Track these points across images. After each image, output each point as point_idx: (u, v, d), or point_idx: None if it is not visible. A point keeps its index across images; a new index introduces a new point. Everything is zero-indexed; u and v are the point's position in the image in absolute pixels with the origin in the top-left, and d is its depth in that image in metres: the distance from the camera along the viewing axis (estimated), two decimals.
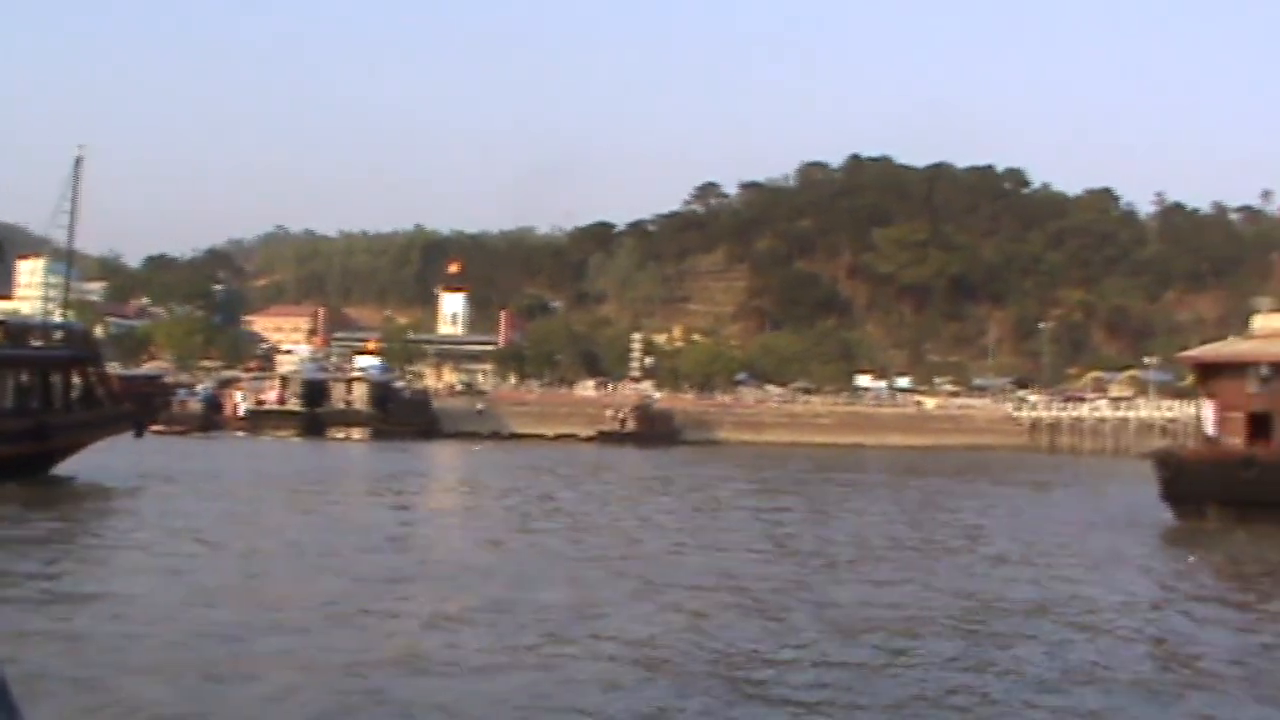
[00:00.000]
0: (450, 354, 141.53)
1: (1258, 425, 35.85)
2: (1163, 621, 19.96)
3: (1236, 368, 37.77)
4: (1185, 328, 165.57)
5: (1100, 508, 44.52)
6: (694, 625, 17.23)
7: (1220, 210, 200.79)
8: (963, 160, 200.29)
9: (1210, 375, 38.73)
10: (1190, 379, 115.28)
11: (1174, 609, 21.30)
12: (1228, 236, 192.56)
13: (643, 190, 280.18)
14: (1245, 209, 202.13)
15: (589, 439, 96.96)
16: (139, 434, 46.61)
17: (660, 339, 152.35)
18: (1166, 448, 44.81)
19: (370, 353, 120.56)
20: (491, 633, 16.55)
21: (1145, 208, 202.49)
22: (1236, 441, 35.76)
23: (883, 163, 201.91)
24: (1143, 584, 24.61)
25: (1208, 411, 37.57)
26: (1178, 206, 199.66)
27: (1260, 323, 45.64)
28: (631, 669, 14.56)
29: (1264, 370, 36.56)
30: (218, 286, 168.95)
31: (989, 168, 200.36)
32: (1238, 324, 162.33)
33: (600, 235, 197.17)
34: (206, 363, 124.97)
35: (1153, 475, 36.22)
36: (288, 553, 25.12)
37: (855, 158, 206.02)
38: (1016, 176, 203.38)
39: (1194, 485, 34.95)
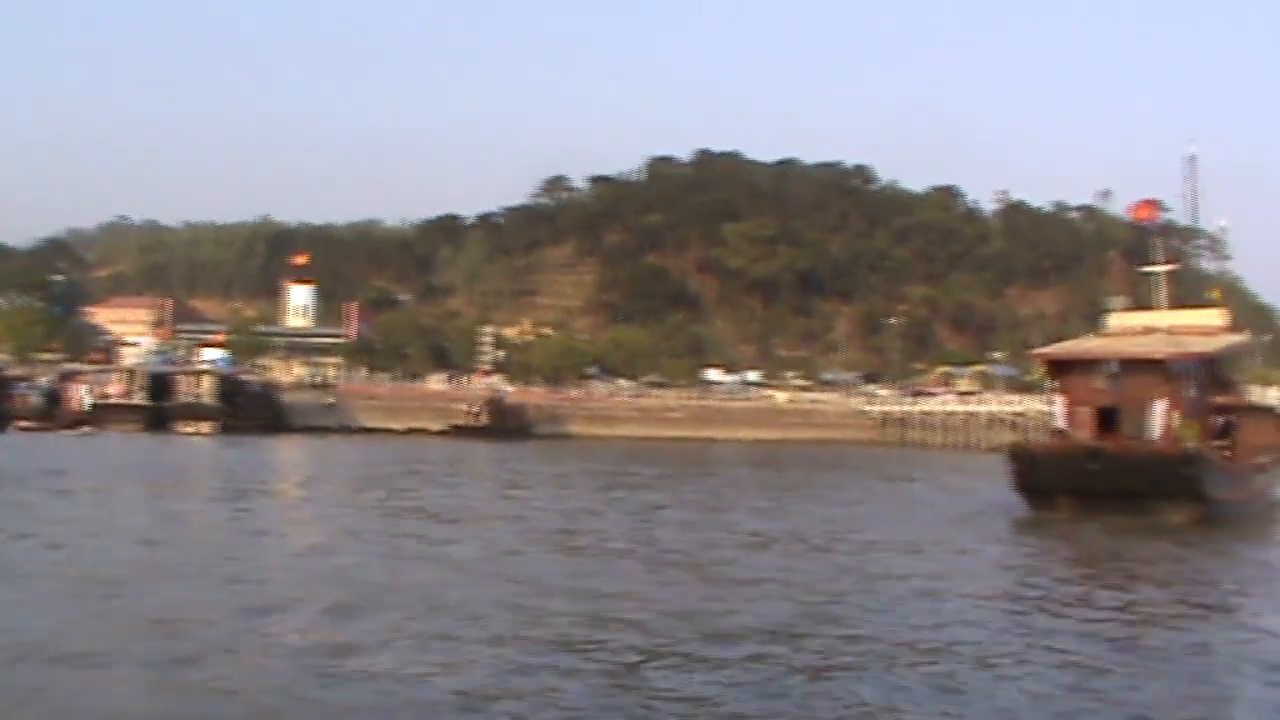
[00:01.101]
0: (298, 347, 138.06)
1: (1105, 419, 36.52)
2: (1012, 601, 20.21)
3: (1086, 364, 38.38)
4: (1027, 323, 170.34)
5: (957, 499, 44.75)
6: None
7: (1061, 209, 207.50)
8: (811, 157, 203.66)
9: (1061, 371, 39.22)
10: (1036, 374, 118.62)
11: (1020, 589, 21.68)
12: (1068, 234, 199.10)
13: (491, 183, 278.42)
14: (1085, 208, 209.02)
15: (440, 433, 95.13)
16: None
17: (510, 332, 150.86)
18: (1019, 441, 46.03)
19: (217, 345, 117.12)
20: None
21: (988, 206, 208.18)
22: (1085, 435, 36.31)
23: (732, 158, 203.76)
24: (989, 566, 25.11)
25: (1058, 406, 38.16)
26: (1020, 205, 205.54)
27: (1114, 321, 46.67)
28: None
29: (1113, 367, 37.15)
30: (57, 277, 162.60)
31: (837, 165, 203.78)
32: (1078, 319, 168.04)
33: (448, 228, 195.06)
34: (46, 355, 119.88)
35: (1003, 468, 36.81)
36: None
37: (704, 153, 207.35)
38: (863, 174, 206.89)
39: (1045, 477, 35.59)
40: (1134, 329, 44.17)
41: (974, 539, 29.63)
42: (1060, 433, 37.50)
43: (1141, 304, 47.91)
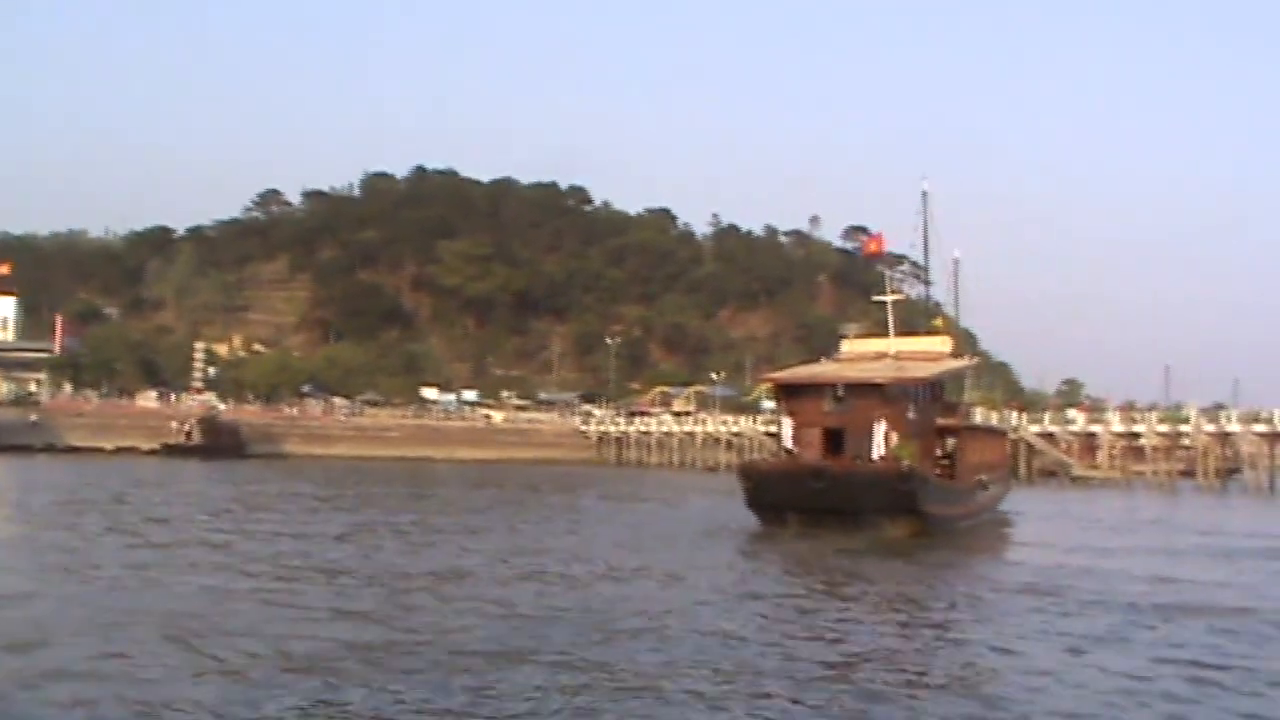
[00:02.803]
0: (0, 361, 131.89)
1: (832, 440, 38.71)
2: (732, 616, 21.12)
3: (813, 388, 40.62)
4: (739, 344, 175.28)
5: (690, 516, 46.46)
6: None
7: (771, 233, 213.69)
8: (527, 176, 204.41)
9: (790, 394, 41.45)
10: (754, 395, 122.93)
11: (744, 603, 22.71)
12: (778, 258, 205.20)
13: (203, 195, 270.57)
14: (795, 233, 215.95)
15: (151, 452, 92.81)
16: None
17: (221, 349, 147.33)
18: (750, 461, 47.77)
19: None
20: None
21: (702, 229, 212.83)
22: (813, 455, 38.43)
23: (448, 175, 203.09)
24: (724, 579, 26.04)
25: (787, 428, 40.10)
26: (732, 228, 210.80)
27: (847, 347, 49.63)
28: None
29: (839, 391, 39.38)
30: None
31: (552, 184, 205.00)
32: (788, 341, 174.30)
33: (158, 240, 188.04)
34: None
35: (723, 487, 38.65)
36: None
37: (420, 169, 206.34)
38: (579, 194, 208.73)
39: (774, 495, 37.61)
40: (866, 354, 47.33)
41: (708, 555, 30.76)
42: (789, 453, 39.50)
43: (874, 331, 50.71)
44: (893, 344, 47.29)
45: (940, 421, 43.35)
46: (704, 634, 18.25)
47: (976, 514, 43.84)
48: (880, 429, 37.52)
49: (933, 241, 54.88)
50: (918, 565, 29.82)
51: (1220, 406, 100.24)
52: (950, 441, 43.30)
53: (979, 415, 72.96)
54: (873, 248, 61.49)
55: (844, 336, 53.05)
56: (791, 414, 40.37)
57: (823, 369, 46.00)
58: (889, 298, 50.01)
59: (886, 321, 48.60)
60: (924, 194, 54.31)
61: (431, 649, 16.05)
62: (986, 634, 19.44)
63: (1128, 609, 22.00)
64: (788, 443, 39.92)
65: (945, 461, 42.49)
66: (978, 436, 49.16)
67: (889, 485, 35.84)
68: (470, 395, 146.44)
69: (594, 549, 31.15)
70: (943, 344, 50.05)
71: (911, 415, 39.68)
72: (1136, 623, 20.49)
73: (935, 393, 43.80)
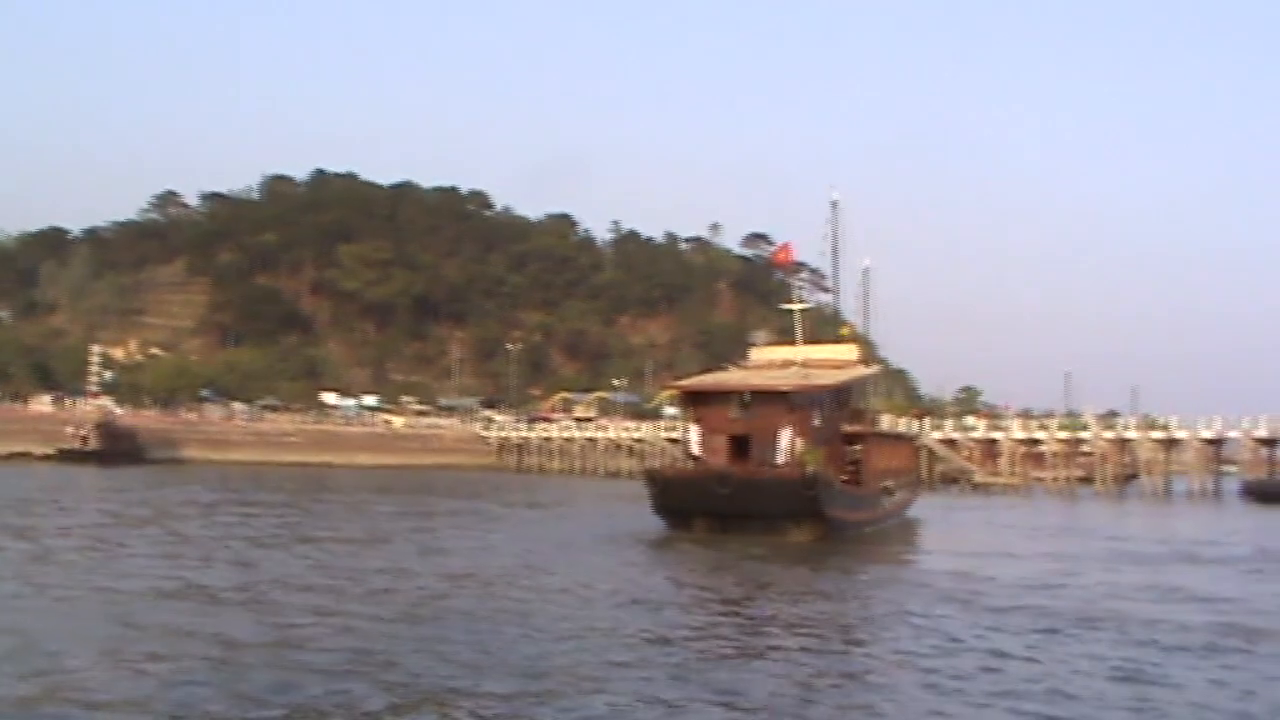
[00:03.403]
0: None
1: (738, 446, 39.70)
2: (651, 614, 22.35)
3: (721, 395, 41.60)
4: (639, 351, 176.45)
5: (595, 522, 47.41)
6: None
7: (672, 240, 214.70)
8: (428, 180, 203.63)
9: (697, 401, 42.19)
10: (656, 401, 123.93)
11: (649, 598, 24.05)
12: (679, 265, 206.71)
13: (98, 196, 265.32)
14: (695, 240, 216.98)
15: (46, 457, 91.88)
16: None
17: (118, 352, 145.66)
18: (657, 467, 48.62)
19: None
20: None
21: (602, 235, 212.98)
22: (719, 461, 39.39)
23: (348, 179, 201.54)
24: (629, 581, 27.15)
25: (694, 434, 40.97)
26: (633, 235, 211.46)
27: (756, 354, 50.70)
28: None
29: (745, 398, 40.44)
30: None
31: (453, 189, 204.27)
32: (688, 347, 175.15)
33: (52, 241, 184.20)
34: None
35: (627, 493, 39.46)
36: None
37: (320, 173, 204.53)
38: (480, 199, 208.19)
39: (681, 500, 38.72)
40: (774, 362, 48.47)
41: (610, 561, 31.72)
42: (696, 459, 40.47)
43: (782, 339, 51.76)
44: (800, 352, 48.22)
45: (846, 428, 44.44)
46: (600, 634, 19.06)
47: (883, 519, 45.05)
48: (785, 435, 38.59)
49: (839, 249, 55.99)
50: (819, 570, 30.69)
51: (1114, 414, 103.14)
52: (856, 448, 44.33)
53: (886, 422, 74.70)
54: (782, 257, 62.57)
55: (752, 344, 54.09)
56: (698, 420, 41.19)
57: (729, 376, 47.20)
58: (796, 306, 50.88)
59: (792, 329, 49.65)
60: (833, 203, 55.50)
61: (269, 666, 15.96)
62: (887, 642, 20.28)
63: (1035, 615, 22.67)
64: (694, 449, 40.77)
65: (851, 467, 43.46)
66: (884, 443, 50.34)
67: (793, 490, 36.83)
68: (370, 400, 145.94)
69: (494, 557, 31.52)
70: (849, 352, 51.31)
71: (817, 422, 40.78)
72: (1042, 629, 21.08)
73: (841, 400, 44.82)
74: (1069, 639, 20.21)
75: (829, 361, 48.15)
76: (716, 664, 17.33)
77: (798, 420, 39.41)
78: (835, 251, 55.84)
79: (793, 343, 49.55)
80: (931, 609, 23.60)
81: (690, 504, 38.31)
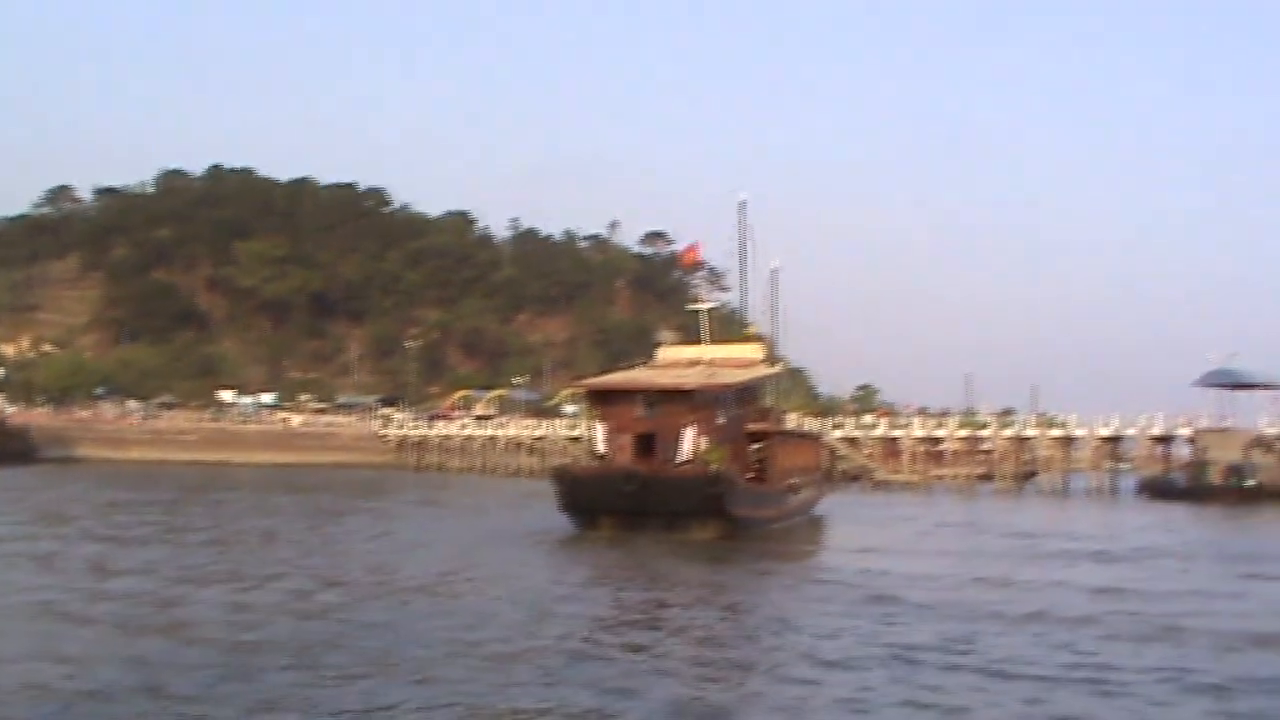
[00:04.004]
0: None
1: (643, 445, 40.61)
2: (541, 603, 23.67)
3: (627, 394, 42.63)
4: (537, 348, 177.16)
5: (504, 519, 48.56)
6: None
7: (570, 238, 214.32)
8: (326, 176, 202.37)
9: (603, 400, 43.14)
10: (558, 399, 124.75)
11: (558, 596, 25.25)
12: (577, 263, 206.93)
13: None
14: (593, 238, 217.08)
15: None
16: None
17: (9, 349, 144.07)
18: (563, 464, 49.52)
19: None
20: None
21: (501, 232, 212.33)
22: (625, 459, 40.29)
23: (245, 174, 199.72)
24: (536, 579, 28.35)
25: (600, 432, 41.83)
26: (531, 232, 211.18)
27: (663, 354, 51.90)
28: None
29: (651, 396, 41.61)
30: None
31: (351, 185, 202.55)
32: (587, 345, 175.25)
33: None
34: None
35: (528, 491, 40.46)
36: None
37: (217, 168, 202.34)
38: (378, 195, 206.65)
39: (587, 498, 39.59)
40: (680, 361, 49.42)
41: (516, 558, 32.93)
42: (602, 457, 41.30)
43: (689, 338, 52.92)
44: (707, 351, 49.03)
45: (752, 427, 45.34)
46: (488, 632, 19.82)
47: (788, 516, 46.05)
48: (689, 434, 39.49)
49: (747, 249, 57.01)
50: (720, 568, 31.92)
51: (1009, 411, 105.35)
52: (761, 446, 45.19)
53: (792, 421, 76.21)
54: (690, 257, 63.86)
55: (659, 343, 55.35)
56: (604, 419, 41.95)
57: (635, 375, 48.14)
58: (703, 306, 52.03)
59: (696, 327, 50.63)
60: (741, 204, 56.43)
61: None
62: (784, 636, 21.12)
63: (934, 612, 23.49)
64: (600, 447, 41.52)
65: (756, 465, 44.39)
66: (790, 441, 51.23)
67: (697, 488, 37.91)
68: (268, 398, 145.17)
69: (392, 558, 32.07)
70: (755, 351, 52.22)
71: (721, 420, 41.77)
72: (940, 625, 21.83)
73: (746, 398, 45.93)
74: (968, 629, 21.40)
75: (734, 361, 48.88)
76: (606, 664, 17.91)
77: (702, 419, 40.25)
78: (743, 252, 56.67)
79: (699, 342, 50.35)
80: (830, 604, 24.61)
81: (596, 502, 39.12)
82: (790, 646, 19.92)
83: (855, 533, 46.02)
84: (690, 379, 42.92)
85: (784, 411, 61.29)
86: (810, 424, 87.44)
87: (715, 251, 57.39)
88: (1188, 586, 29.25)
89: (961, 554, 37.33)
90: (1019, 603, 25.01)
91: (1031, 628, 21.96)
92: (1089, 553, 37.65)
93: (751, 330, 59.33)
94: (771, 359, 55.65)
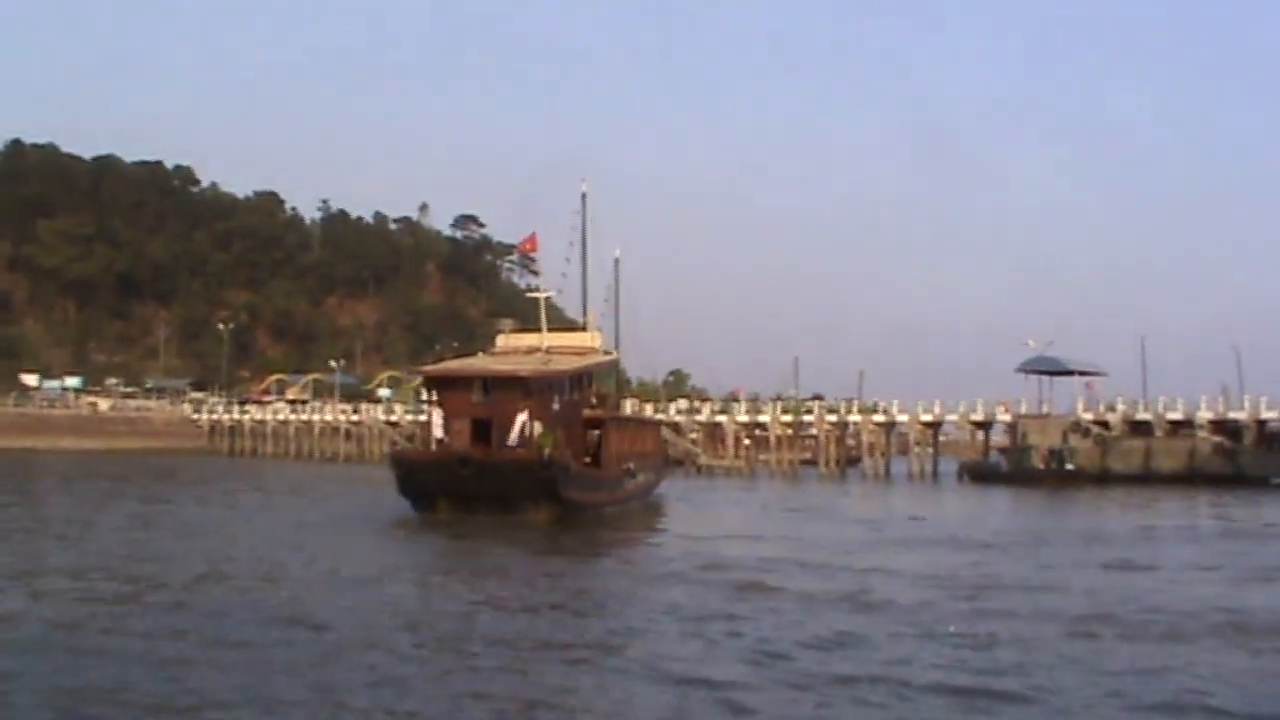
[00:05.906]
0: None
1: (479, 431, 42.28)
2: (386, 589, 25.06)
3: (464, 381, 44.28)
4: (347, 332, 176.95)
5: (344, 504, 50.07)
6: None
7: (381, 220, 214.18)
8: (131, 154, 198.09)
9: (440, 386, 44.70)
10: (374, 383, 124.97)
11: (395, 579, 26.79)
12: (387, 245, 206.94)
13: None
14: (404, 220, 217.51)
15: None
16: None
17: None
18: (401, 449, 50.88)
19: None
20: None
21: (311, 214, 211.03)
22: (461, 444, 41.91)
23: (47, 150, 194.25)
24: (379, 560, 30.16)
25: (437, 418, 43.47)
26: (342, 214, 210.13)
27: (501, 341, 53.90)
28: None
29: (487, 383, 43.47)
30: None
31: (158, 164, 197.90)
32: (397, 329, 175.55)
33: None
34: None
35: (351, 476, 41.89)
36: None
37: (17, 143, 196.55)
38: (185, 174, 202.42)
39: (424, 482, 41.22)
40: (519, 348, 51.37)
41: (354, 543, 34.40)
42: (440, 442, 42.90)
43: (529, 326, 54.83)
44: (546, 339, 50.91)
45: (588, 413, 47.69)
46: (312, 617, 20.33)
47: (624, 501, 48.16)
48: (520, 419, 41.22)
49: (569, 235, 58.57)
50: (549, 553, 33.44)
51: (818, 396, 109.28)
52: (597, 432, 47.33)
53: (630, 407, 78.27)
54: (529, 246, 65.50)
55: (500, 331, 57.07)
56: (442, 405, 43.57)
57: (472, 363, 50.25)
58: (541, 294, 53.83)
59: (520, 314, 52.50)
60: (583, 195, 58.01)
61: None
62: (607, 618, 21.69)
63: (764, 592, 24.08)
64: (438, 432, 43.10)
65: (593, 451, 46.53)
66: (627, 427, 53.44)
67: (530, 473, 39.54)
68: (73, 382, 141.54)
69: (227, 547, 32.47)
70: (592, 340, 54.49)
71: (556, 406, 43.84)
72: (765, 606, 22.38)
73: (581, 385, 48.08)
74: (784, 605, 22.55)
75: (572, 348, 51.07)
76: (438, 650, 18.28)
77: (535, 405, 41.93)
78: (585, 243, 58.06)
79: (538, 330, 51.83)
80: (657, 584, 25.87)
81: (434, 486, 40.60)
82: (619, 631, 20.44)
83: (689, 517, 48.49)
84: (524, 366, 44.76)
85: (622, 398, 63.32)
86: (650, 410, 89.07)
87: (557, 242, 58.41)
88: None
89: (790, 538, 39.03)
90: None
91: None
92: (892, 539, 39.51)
93: (590, 319, 61.09)
94: (609, 347, 57.92)
